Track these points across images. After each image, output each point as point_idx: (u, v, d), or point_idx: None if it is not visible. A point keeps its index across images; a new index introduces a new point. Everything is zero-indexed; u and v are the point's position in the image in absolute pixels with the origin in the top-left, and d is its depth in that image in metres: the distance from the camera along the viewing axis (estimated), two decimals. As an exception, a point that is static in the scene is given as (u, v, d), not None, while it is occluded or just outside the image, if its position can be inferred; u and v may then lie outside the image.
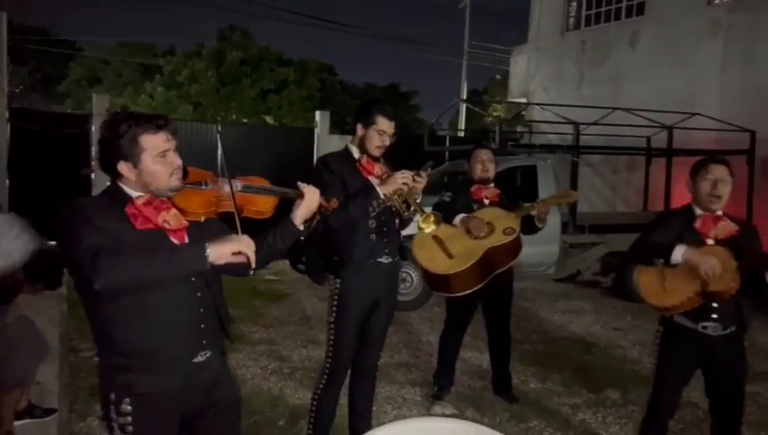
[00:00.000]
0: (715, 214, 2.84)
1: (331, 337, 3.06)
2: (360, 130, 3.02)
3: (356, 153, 3.05)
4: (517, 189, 7.52)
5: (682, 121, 8.98)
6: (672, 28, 10.84)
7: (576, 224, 7.84)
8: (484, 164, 4.13)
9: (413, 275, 6.66)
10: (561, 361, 5.25)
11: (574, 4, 13.21)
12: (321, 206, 2.25)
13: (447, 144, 12.99)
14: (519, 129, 13.20)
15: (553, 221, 7.43)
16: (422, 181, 2.95)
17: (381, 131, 2.98)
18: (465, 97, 22.72)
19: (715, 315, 2.77)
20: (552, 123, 9.29)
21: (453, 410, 4.10)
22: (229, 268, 1.93)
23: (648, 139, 9.35)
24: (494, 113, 18.91)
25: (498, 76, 27.45)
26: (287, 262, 7.74)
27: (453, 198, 4.09)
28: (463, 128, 22.86)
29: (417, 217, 2.93)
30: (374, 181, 2.97)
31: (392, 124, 3.01)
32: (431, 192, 4.97)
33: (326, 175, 2.96)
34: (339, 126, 17.27)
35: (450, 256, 3.79)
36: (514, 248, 3.92)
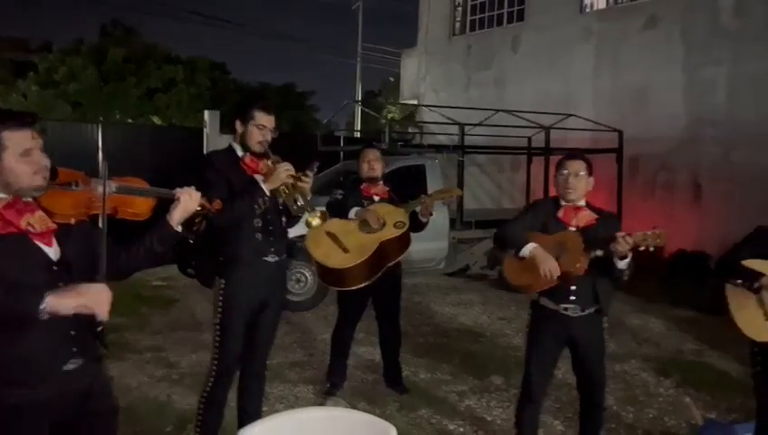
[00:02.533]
0: (577, 205, 3.09)
1: (217, 339, 3.03)
2: (239, 126, 3.02)
3: (239, 151, 3.04)
4: (407, 188, 7.73)
5: (559, 122, 9.58)
6: (549, 34, 11.53)
7: (464, 220, 8.18)
8: (371, 163, 4.27)
9: (307, 274, 6.68)
10: (451, 351, 5.46)
11: (460, 9, 13.72)
12: (203, 207, 2.25)
13: (342, 144, 13.10)
14: (411, 129, 13.56)
15: (442, 218, 7.71)
16: (308, 181, 3.01)
17: (261, 126, 2.98)
18: (359, 98, 22.97)
19: (573, 297, 3.02)
20: (440, 124, 9.62)
21: (345, 405, 4.16)
22: (109, 271, 1.88)
23: (529, 139, 9.89)
24: (388, 115, 19.27)
25: (391, 78, 27.94)
26: (176, 266, 7.51)
27: (345, 196, 4.21)
28: (358, 128, 23.09)
29: (307, 216, 2.98)
30: (259, 178, 2.98)
31: (272, 118, 3.02)
32: (326, 191, 5.05)
33: (210, 174, 2.94)
34: (231, 126, 16.90)
35: (346, 250, 3.91)
36: (405, 241, 4.10)
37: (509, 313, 6.84)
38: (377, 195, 4.23)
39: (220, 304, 3.00)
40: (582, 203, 3.12)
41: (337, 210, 4.03)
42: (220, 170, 2.94)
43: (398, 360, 4.51)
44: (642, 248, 2.92)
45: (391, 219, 4.03)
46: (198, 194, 2.19)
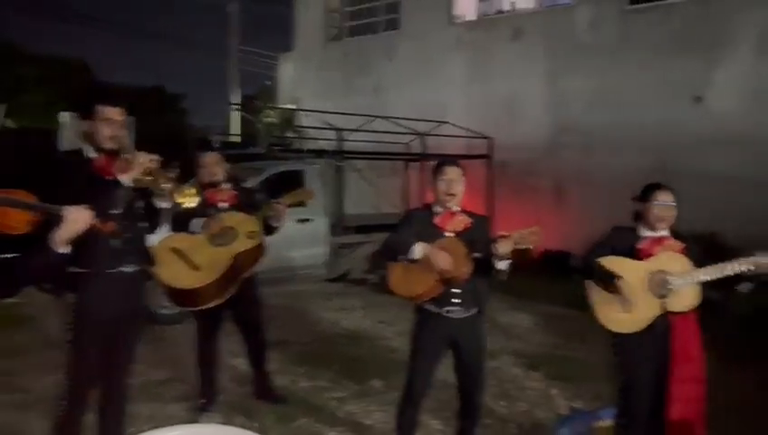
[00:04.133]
0: (452, 210, 3.15)
1: (69, 358, 2.77)
2: (84, 125, 2.77)
3: (90, 152, 2.78)
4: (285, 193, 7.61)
5: (434, 129, 9.86)
6: (423, 43, 11.86)
7: (344, 225, 8.18)
8: (210, 168, 4.01)
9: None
10: (331, 357, 5.39)
11: (336, 15, 13.76)
12: (94, 227, 2.22)
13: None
14: (289, 135, 13.38)
15: (322, 224, 7.67)
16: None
17: (107, 120, 2.74)
18: (236, 102, 22.34)
19: (457, 300, 3.07)
20: (318, 129, 9.58)
21: (219, 420, 3.97)
22: None
23: (407, 145, 10.09)
24: (267, 119, 18.90)
25: (269, 82, 27.51)
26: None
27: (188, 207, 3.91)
28: (236, 133, 22.43)
29: (178, 197, 2.77)
30: (118, 176, 2.73)
31: (118, 110, 2.78)
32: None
33: (57, 178, 2.67)
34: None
35: (196, 267, 3.62)
36: (259, 251, 3.89)
37: (389, 316, 6.89)
38: (223, 201, 3.97)
39: (72, 319, 2.74)
40: (458, 208, 3.18)
41: (181, 224, 3.75)
42: (67, 175, 2.68)
43: (265, 370, 4.37)
44: (521, 247, 3.03)
45: (243, 229, 3.78)
46: (89, 214, 2.10)
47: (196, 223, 3.76)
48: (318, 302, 7.59)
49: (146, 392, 4.34)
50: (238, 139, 15.44)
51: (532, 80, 10.34)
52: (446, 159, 3.26)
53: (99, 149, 2.77)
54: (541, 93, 10.31)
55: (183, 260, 3.62)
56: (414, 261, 3.02)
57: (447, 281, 2.99)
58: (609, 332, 3.18)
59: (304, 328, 6.41)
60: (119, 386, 2.99)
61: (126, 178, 2.71)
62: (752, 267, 2.95)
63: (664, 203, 3.12)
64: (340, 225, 8.13)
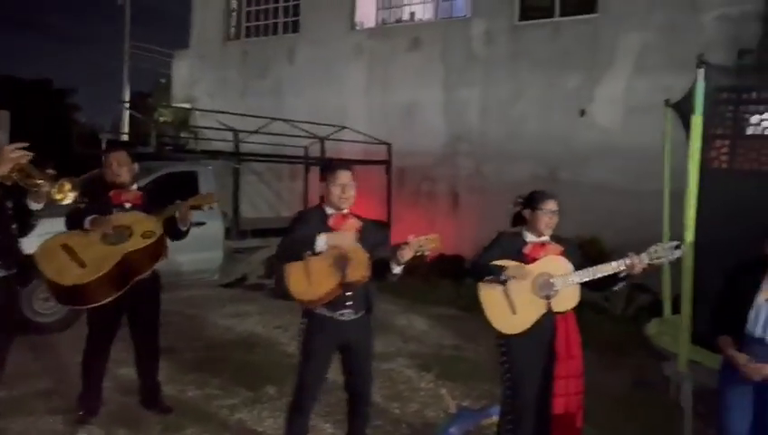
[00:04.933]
0: (344, 212, 3.17)
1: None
2: None
3: None
4: (178, 195, 7.33)
5: (333, 134, 9.88)
6: (324, 48, 11.85)
7: (239, 229, 8.00)
8: (116, 168, 3.91)
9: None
10: (223, 364, 5.25)
11: (234, 14, 13.47)
12: None
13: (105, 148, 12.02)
14: (184, 134, 12.94)
15: (216, 227, 7.45)
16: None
17: None
18: (128, 99, 21.32)
19: (349, 303, 3.10)
20: (214, 130, 9.33)
21: (101, 433, 3.77)
22: None
23: (306, 148, 10.03)
24: (161, 118, 18.16)
25: (163, 80, 26.48)
26: None
27: (89, 204, 3.74)
28: (126, 131, 21.39)
29: (53, 193, 2.61)
30: None
31: None
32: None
33: None
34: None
35: (82, 264, 3.53)
36: (155, 252, 3.81)
37: (284, 321, 6.81)
38: (128, 202, 3.89)
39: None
40: (347, 211, 3.21)
41: (75, 221, 3.65)
42: None
43: (156, 379, 4.20)
44: (419, 254, 3.10)
45: (140, 228, 3.71)
46: None
47: (88, 220, 3.65)
48: (211, 307, 7.37)
49: (20, 406, 4.08)
50: (127, 137, 14.75)
51: (430, 88, 10.61)
52: (337, 163, 3.28)
53: None
54: (438, 102, 10.59)
55: (71, 257, 3.53)
56: (317, 256, 3.01)
57: (348, 284, 3.01)
58: (497, 333, 3.32)
59: (196, 334, 6.20)
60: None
61: None
62: (623, 268, 3.19)
63: (552, 211, 3.30)
64: (235, 228, 7.94)
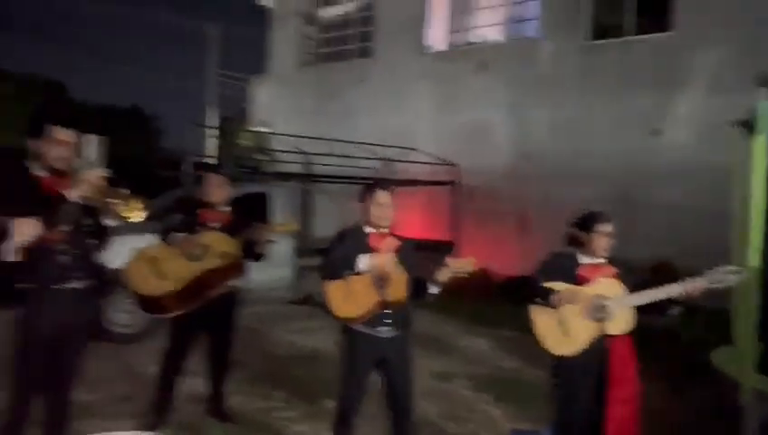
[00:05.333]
0: (383, 232, 3.29)
1: (14, 372, 2.83)
2: (33, 145, 2.85)
3: (38, 170, 2.87)
4: (250, 215, 7.70)
5: (402, 155, 10.05)
6: (394, 71, 12.11)
7: (309, 248, 8.27)
8: (210, 188, 4.17)
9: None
10: (286, 378, 5.46)
11: (311, 41, 14.00)
12: (42, 238, 2.52)
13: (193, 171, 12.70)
14: (261, 157, 13.48)
15: (285, 245, 7.74)
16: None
17: (59, 141, 2.84)
18: (214, 124, 22.43)
19: (388, 320, 3.20)
20: (285, 153, 9.71)
21: (168, 438, 4.02)
22: None
23: (375, 169, 10.25)
24: (244, 142, 18.96)
25: (245, 105, 27.66)
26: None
27: (180, 220, 4.05)
28: (212, 155, 22.43)
29: (122, 210, 2.89)
30: (65, 192, 2.82)
31: (70, 132, 2.89)
32: (161, 217, 4.82)
33: (13, 191, 2.74)
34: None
35: (163, 276, 3.82)
36: (230, 272, 4.05)
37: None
38: (215, 221, 4.12)
39: (18, 333, 2.81)
40: (387, 230, 3.32)
41: (166, 234, 3.95)
42: (15, 191, 2.76)
43: (221, 390, 4.44)
44: (458, 275, 3.18)
45: (218, 248, 3.97)
46: (36, 225, 2.42)
47: (171, 237, 3.93)
48: (279, 323, 7.63)
49: (97, 409, 4.39)
50: (214, 160, 15.52)
51: (497, 110, 10.62)
52: (377, 183, 3.40)
53: (47, 168, 2.86)
54: (506, 123, 10.58)
55: (155, 269, 3.83)
56: (357, 273, 3.12)
57: (387, 303, 3.12)
58: (551, 354, 3.33)
59: (262, 349, 6.46)
60: (63, 401, 3.04)
61: (74, 195, 2.79)
62: (681, 292, 3.12)
63: (608, 233, 3.30)
64: (305, 247, 8.21)
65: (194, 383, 5.01)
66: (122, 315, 6.27)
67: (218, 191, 4.18)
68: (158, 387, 4.25)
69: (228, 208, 4.25)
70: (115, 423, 4.26)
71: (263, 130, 14.04)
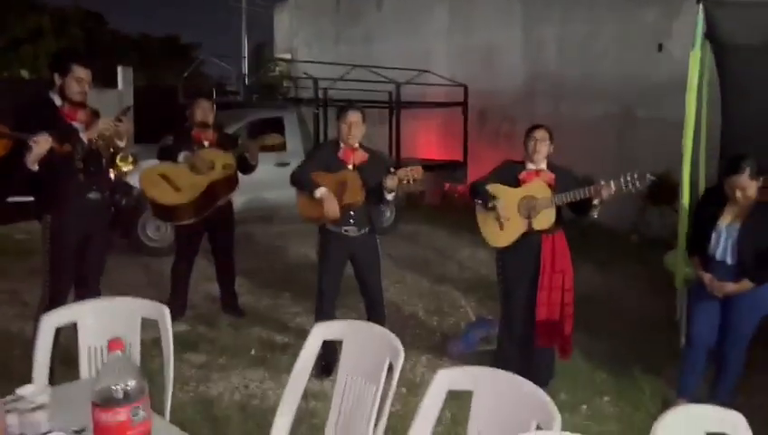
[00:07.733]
0: (353, 146, 3.82)
1: (47, 267, 3.50)
2: (57, 79, 3.41)
3: (58, 101, 3.44)
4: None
5: (415, 78, 10.32)
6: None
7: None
8: (204, 111, 4.77)
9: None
10: (295, 282, 6.11)
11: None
12: (54, 149, 3.00)
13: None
14: (286, 84, 13.90)
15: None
16: (123, 125, 3.49)
17: (79, 79, 3.39)
18: (246, 52, 22.83)
19: (352, 221, 3.78)
20: (301, 78, 10.10)
21: (186, 327, 4.78)
22: None
23: (390, 93, 10.56)
24: (278, 69, 19.28)
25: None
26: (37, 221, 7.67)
27: (175, 141, 4.69)
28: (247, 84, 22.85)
29: (118, 160, 3.49)
30: (79, 127, 3.42)
31: (88, 72, 3.43)
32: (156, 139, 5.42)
33: (31, 121, 3.32)
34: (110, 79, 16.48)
35: (178, 189, 4.47)
36: (232, 182, 4.72)
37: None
38: (207, 140, 4.74)
39: (48, 236, 3.48)
40: (357, 145, 3.85)
41: (167, 154, 4.55)
42: (36, 114, 3.34)
43: (232, 288, 5.14)
44: (405, 182, 3.69)
45: (220, 162, 4.59)
46: (48, 138, 2.93)
47: (181, 155, 4.55)
48: (296, 239, 8.30)
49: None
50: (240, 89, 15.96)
51: (509, 28, 10.70)
52: (348, 105, 3.91)
53: (66, 99, 3.43)
54: (516, 42, 10.69)
55: (168, 183, 4.48)
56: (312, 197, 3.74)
57: (346, 206, 3.69)
58: (493, 248, 3.85)
59: (277, 259, 7.17)
60: (92, 289, 3.70)
61: (84, 135, 3.39)
62: (593, 193, 3.51)
63: (536, 138, 3.71)
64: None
65: (211, 287, 5.77)
66: (155, 232, 7.08)
67: (209, 114, 4.79)
68: (172, 286, 5.01)
69: (212, 129, 4.83)
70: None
71: (285, 57, 14.39)
